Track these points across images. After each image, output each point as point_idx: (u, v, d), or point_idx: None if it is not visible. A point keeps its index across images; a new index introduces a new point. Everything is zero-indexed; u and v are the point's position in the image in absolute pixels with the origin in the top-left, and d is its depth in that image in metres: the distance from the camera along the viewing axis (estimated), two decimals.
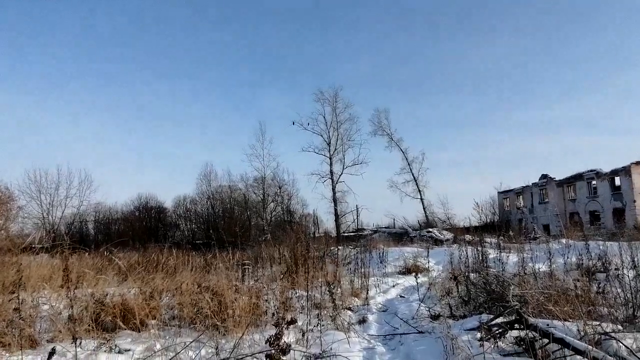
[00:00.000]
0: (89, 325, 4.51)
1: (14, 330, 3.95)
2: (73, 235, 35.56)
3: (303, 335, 4.66)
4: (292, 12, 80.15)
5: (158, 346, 4.19)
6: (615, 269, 7.38)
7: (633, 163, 34.26)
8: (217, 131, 78.23)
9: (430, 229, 30.65)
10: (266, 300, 5.64)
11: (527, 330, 3.88)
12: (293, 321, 4.64)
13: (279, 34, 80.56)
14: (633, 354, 3.34)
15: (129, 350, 4.17)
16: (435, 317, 5.91)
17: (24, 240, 11.36)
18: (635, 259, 6.96)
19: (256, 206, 43.00)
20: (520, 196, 47.00)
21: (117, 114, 72.14)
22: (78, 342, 3.80)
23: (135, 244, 18.28)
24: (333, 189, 41.15)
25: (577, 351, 3.33)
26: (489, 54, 76.27)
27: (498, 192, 49.47)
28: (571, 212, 39.52)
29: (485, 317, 4.84)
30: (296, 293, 6.60)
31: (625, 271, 6.23)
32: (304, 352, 4.25)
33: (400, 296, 8.53)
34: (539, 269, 7.35)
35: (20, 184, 35.53)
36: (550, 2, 72.73)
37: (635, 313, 4.76)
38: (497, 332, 4.14)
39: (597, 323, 3.99)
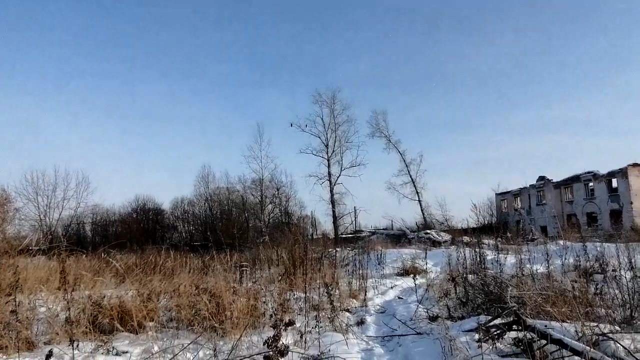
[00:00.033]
0: (86, 328, 4.49)
1: (11, 332, 3.93)
2: (70, 237, 35.46)
3: (301, 336, 4.65)
4: (292, 12, 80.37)
5: (156, 348, 4.17)
6: (613, 270, 7.40)
7: (630, 165, 34.41)
8: (215, 133, 78.27)
9: (428, 231, 30.70)
10: (264, 302, 5.63)
11: (525, 332, 3.89)
12: (291, 323, 4.64)
13: (279, 34, 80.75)
14: (631, 354, 3.35)
15: (126, 352, 4.15)
16: (433, 319, 5.91)
17: (21, 243, 11.31)
18: (633, 260, 7.00)
19: (254, 208, 42.95)
20: (518, 198, 47.11)
21: (115, 115, 72.17)
22: (75, 344, 3.79)
23: (133, 245, 18.25)
24: (331, 191, 41.20)
25: (575, 352, 3.34)
26: (489, 54, 76.62)
27: (496, 194, 49.57)
28: (568, 214, 39.64)
29: (483, 318, 4.84)
30: (294, 295, 6.59)
31: (622, 272, 6.25)
32: (302, 354, 4.24)
33: (399, 298, 8.53)
34: (536, 270, 7.37)
35: (17, 186, 35.45)
36: (550, 2, 73.16)
37: (633, 314, 4.78)
38: (495, 333, 4.14)
39: (595, 324, 4.00)
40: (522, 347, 3.87)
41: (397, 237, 30.93)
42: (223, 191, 45.96)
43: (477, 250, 9.25)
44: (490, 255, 9.76)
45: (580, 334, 3.73)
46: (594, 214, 37.27)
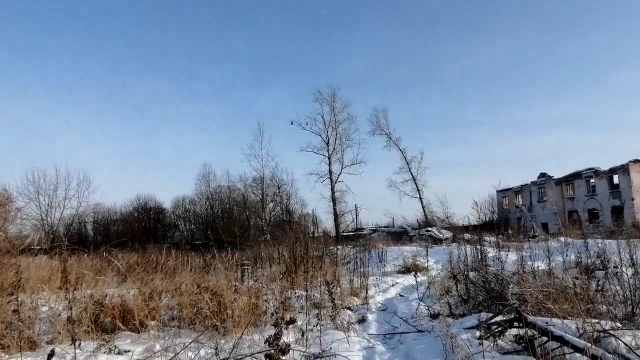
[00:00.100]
0: (88, 327, 4.51)
1: (13, 332, 3.94)
2: (72, 236, 35.49)
3: (302, 335, 4.66)
4: (293, 11, 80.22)
5: (157, 347, 4.18)
6: (614, 267, 7.39)
7: (631, 161, 34.33)
8: (216, 131, 78.28)
9: (429, 228, 30.68)
10: (265, 300, 5.64)
11: (527, 329, 3.89)
12: (292, 321, 4.64)
13: (279, 34, 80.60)
14: (632, 351, 3.35)
15: (128, 351, 4.17)
16: (434, 316, 5.92)
17: (22, 242, 11.33)
18: (634, 257, 6.97)
19: (255, 206, 42.99)
20: (519, 195, 47.06)
21: (116, 114, 72.13)
22: (77, 343, 3.80)
23: (134, 244, 18.24)
24: (332, 189, 41.19)
25: (576, 349, 3.34)
26: (489, 54, 76.43)
27: (497, 191, 49.50)
28: (570, 211, 39.59)
29: (484, 315, 4.85)
30: (295, 293, 6.60)
31: (623, 269, 6.24)
32: (304, 352, 4.25)
33: (400, 295, 8.54)
34: (537, 267, 7.36)
35: (18, 185, 35.43)
36: (550, 1, 72.93)
37: (634, 310, 4.77)
38: (496, 330, 4.15)
39: (596, 321, 4.00)
40: (523, 344, 3.87)
41: (398, 235, 30.95)
42: (224, 190, 46.02)
43: (478, 247, 9.25)
44: (491, 252, 9.76)
45: (581, 331, 3.74)
46: (595, 211, 37.22)
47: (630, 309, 4.82)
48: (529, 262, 7.83)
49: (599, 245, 9.00)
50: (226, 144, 77.26)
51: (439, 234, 27.66)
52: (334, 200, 40.87)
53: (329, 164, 41.97)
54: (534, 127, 73.63)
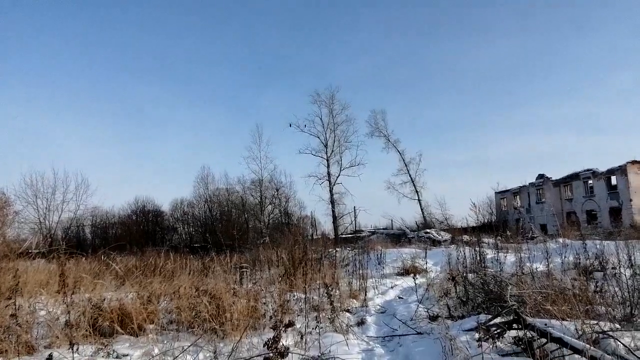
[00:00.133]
0: (87, 331, 4.49)
1: (10, 336, 3.93)
2: (70, 239, 35.46)
3: (301, 337, 4.65)
4: (292, 12, 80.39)
5: (156, 350, 4.17)
6: (613, 268, 7.41)
7: (629, 162, 34.44)
8: (214, 134, 78.29)
9: (428, 230, 30.66)
10: (264, 303, 5.63)
11: (525, 330, 3.89)
12: (291, 324, 4.64)
13: (278, 35, 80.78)
14: (631, 352, 3.35)
15: (126, 355, 4.15)
16: (433, 318, 5.91)
17: (20, 246, 11.29)
18: (632, 258, 7.00)
19: (254, 209, 42.94)
20: (517, 196, 47.15)
21: (114, 117, 72.12)
22: (75, 347, 3.79)
23: (133, 248, 18.21)
24: (330, 191, 41.15)
25: (575, 350, 3.34)
26: (489, 54, 76.70)
27: (495, 192, 49.61)
28: (568, 212, 39.67)
29: (483, 317, 4.84)
30: (294, 295, 6.59)
31: (622, 270, 6.26)
32: (303, 355, 4.24)
33: (399, 297, 8.53)
34: (536, 268, 7.37)
35: (16, 189, 35.36)
36: (550, 1, 73.27)
37: (633, 312, 4.78)
38: (495, 332, 4.15)
39: (595, 322, 4.00)
40: (522, 346, 3.87)
41: (397, 237, 30.91)
42: (222, 192, 45.96)
43: (477, 249, 9.26)
44: (490, 254, 9.78)
45: (580, 332, 3.74)
46: (594, 212, 37.30)
47: (628, 310, 4.83)
48: (528, 264, 7.84)
49: (597, 246, 9.02)
50: (224, 146, 77.34)
51: (437, 235, 27.64)
52: (332, 202, 40.83)
53: (328, 166, 41.96)
54: (533, 127, 73.94)
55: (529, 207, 44.26)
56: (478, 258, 8.87)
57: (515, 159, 71.91)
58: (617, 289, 5.26)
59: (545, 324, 3.88)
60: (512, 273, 6.99)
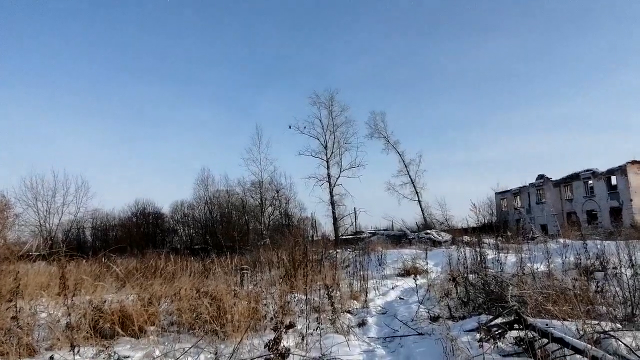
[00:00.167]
0: (87, 333, 4.49)
1: (12, 338, 3.93)
2: (70, 242, 35.49)
3: (302, 339, 4.65)
4: (292, 12, 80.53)
5: (157, 352, 4.17)
6: (613, 268, 7.41)
7: (629, 162, 34.46)
8: (214, 135, 78.36)
9: (429, 231, 30.66)
10: (265, 305, 5.63)
11: (526, 330, 3.89)
12: (292, 325, 4.64)
13: (278, 35, 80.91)
14: (632, 352, 3.35)
15: (127, 357, 4.15)
16: (434, 319, 5.91)
17: (21, 248, 11.30)
18: (633, 258, 7.00)
19: (254, 210, 42.94)
20: (518, 196, 47.15)
21: (113, 118, 72.21)
22: (76, 349, 3.79)
23: (133, 250, 18.20)
24: (330, 192, 41.17)
25: (577, 350, 3.34)
26: (489, 54, 76.81)
27: (495, 193, 49.61)
28: (568, 212, 39.67)
29: (484, 317, 4.84)
30: (295, 297, 6.59)
31: (623, 270, 6.25)
32: (304, 356, 4.24)
33: (400, 298, 8.52)
34: (537, 269, 7.36)
35: (16, 192, 35.44)
36: (550, 1, 73.39)
37: (634, 311, 4.77)
38: (496, 332, 4.14)
39: (596, 322, 4.00)
40: (523, 346, 3.87)
41: (398, 238, 30.89)
42: (223, 194, 46.00)
43: (478, 249, 9.25)
44: (490, 254, 9.76)
45: (581, 332, 3.73)
46: (594, 212, 37.29)
47: (630, 310, 4.82)
48: (528, 264, 7.83)
49: (598, 246, 9.01)
50: (225, 146, 77.43)
51: (438, 236, 27.65)
52: (332, 203, 40.84)
53: (328, 168, 42.01)
54: (533, 127, 73.99)
55: (529, 208, 44.26)
56: (479, 259, 8.84)
57: (515, 159, 72.06)
58: (618, 288, 5.25)
59: (547, 324, 3.88)
60: (513, 273, 6.98)
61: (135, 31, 73.98)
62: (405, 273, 12.18)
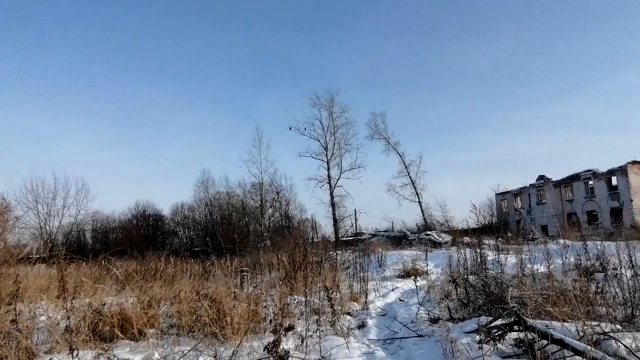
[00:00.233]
0: (87, 336, 4.48)
1: (11, 342, 3.92)
2: (70, 244, 35.50)
3: (302, 341, 4.64)
4: (292, 12, 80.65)
5: (156, 355, 4.16)
6: (614, 269, 7.39)
7: (629, 162, 34.46)
8: (215, 134, 78.41)
9: (429, 232, 30.63)
10: (265, 307, 5.62)
11: (526, 332, 3.88)
12: (291, 327, 4.63)
13: (278, 35, 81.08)
14: (632, 353, 3.34)
15: (127, 359, 4.15)
16: (434, 321, 5.90)
17: (21, 251, 11.30)
18: (633, 258, 6.98)
19: (254, 212, 42.96)
20: (518, 197, 47.13)
21: (113, 117, 72.30)
22: (75, 352, 3.78)
23: (133, 252, 18.18)
24: (331, 194, 41.18)
25: (576, 351, 3.33)
26: (489, 54, 76.89)
27: (496, 194, 49.59)
28: (569, 213, 39.64)
29: (484, 319, 4.84)
30: (295, 299, 6.58)
31: (623, 271, 6.24)
32: (303, 359, 4.23)
33: (400, 300, 8.51)
34: (537, 270, 7.36)
35: (17, 194, 35.47)
36: (550, 1, 73.48)
37: (634, 312, 4.77)
38: (496, 334, 4.14)
39: (596, 323, 3.99)
40: (523, 348, 3.86)
41: (398, 239, 30.87)
42: (223, 196, 46.06)
43: (478, 250, 9.24)
44: (490, 255, 9.76)
45: (581, 334, 3.73)
46: (594, 213, 37.27)
47: (630, 311, 4.81)
48: (529, 265, 7.82)
49: (598, 247, 8.99)
50: (225, 147, 77.47)
51: (438, 237, 27.62)
52: (333, 205, 40.85)
53: (328, 169, 42.05)
54: (533, 127, 74.01)
55: (530, 208, 44.23)
56: (479, 260, 8.84)
57: (515, 159, 72.08)
58: (618, 289, 5.25)
59: (546, 326, 3.88)
60: (513, 275, 6.97)
61: (135, 31, 74.26)
62: (406, 274, 12.17)
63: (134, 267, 9.89)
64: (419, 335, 5.25)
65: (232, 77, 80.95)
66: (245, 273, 8.27)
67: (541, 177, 43.41)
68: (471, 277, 7.09)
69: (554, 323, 4.06)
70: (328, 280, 7.85)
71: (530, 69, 76.99)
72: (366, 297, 7.99)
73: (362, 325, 6.17)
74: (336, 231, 39.86)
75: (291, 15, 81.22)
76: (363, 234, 36.53)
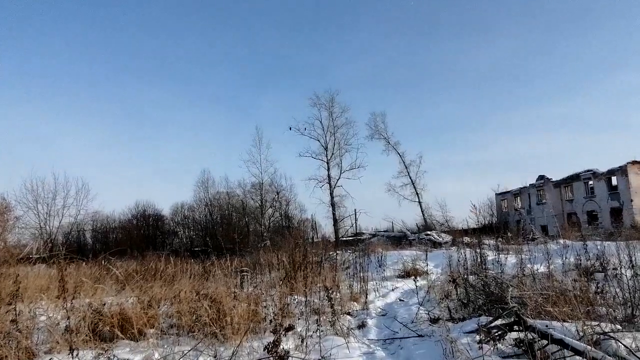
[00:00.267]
0: (87, 336, 4.48)
1: (11, 342, 3.92)
2: (70, 244, 35.49)
3: (302, 341, 4.64)
4: (292, 12, 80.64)
5: (156, 355, 4.16)
6: (614, 269, 7.39)
7: (629, 162, 34.45)
8: (215, 135, 78.41)
9: (429, 232, 30.62)
10: (265, 307, 5.62)
11: (526, 332, 3.88)
12: (291, 327, 4.63)
13: (278, 35, 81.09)
14: (632, 353, 3.34)
15: (127, 359, 4.14)
16: (434, 321, 5.90)
17: (21, 251, 11.30)
18: (633, 258, 6.98)
19: (254, 212, 42.96)
20: (518, 197, 47.12)
21: (113, 117, 72.29)
22: (75, 353, 3.78)
23: (133, 252, 18.18)
24: (331, 194, 41.17)
25: (576, 351, 3.33)
26: (489, 54, 76.88)
27: (496, 194, 49.58)
28: (569, 213, 39.63)
29: (484, 319, 4.84)
30: (295, 299, 6.58)
31: (623, 271, 6.24)
32: (303, 359, 4.23)
33: (400, 300, 8.51)
34: (537, 270, 7.35)
35: (17, 194, 35.46)
36: (550, 1, 73.48)
37: (634, 312, 4.77)
38: (496, 334, 4.14)
39: (596, 323, 3.99)
40: (523, 348, 3.86)
41: (398, 239, 30.86)
42: (223, 196, 46.06)
43: (478, 250, 9.24)
44: (490, 255, 9.75)
45: (581, 334, 3.73)
46: (594, 213, 37.27)
47: (630, 311, 4.81)
48: (529, 265, 7.82)
49: (598, 247, 8.99)
50: (225, 147, 77.47)
51: (438, 237, 27.61)
52: (333, 205, 40.84)
53: (328, 169, 42.05)
54: (533, 127, 74.02)
55: (530, 208, 44.23)
56: (479, 260, 8.84)
57: (515, 159, 72.09)
58: (618, 289, 5.24)
59: (546, 326, 3.88)
60: (513, 275, 6.97)
61: (135, 31, 74.26)
62: (406, 274, 12.17)
63: (134, 267, 9.88)
64: (419, 335, 5.25)
65: (232, 77, 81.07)
66: (245, 273, 8.27)
67: (541, 177, 43.41)
68: (471, 277, 7.09)
69: (554, 323, 4.06)
70: (328, 280, 7.85)
71: (530, 69, 77.10)
72: (366, 297, 7.98)
73: (362, 325, 6.17)
74: (336, 231, 39.85)
75: (291, 15, 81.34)
76: (363, 234, 36.52)
